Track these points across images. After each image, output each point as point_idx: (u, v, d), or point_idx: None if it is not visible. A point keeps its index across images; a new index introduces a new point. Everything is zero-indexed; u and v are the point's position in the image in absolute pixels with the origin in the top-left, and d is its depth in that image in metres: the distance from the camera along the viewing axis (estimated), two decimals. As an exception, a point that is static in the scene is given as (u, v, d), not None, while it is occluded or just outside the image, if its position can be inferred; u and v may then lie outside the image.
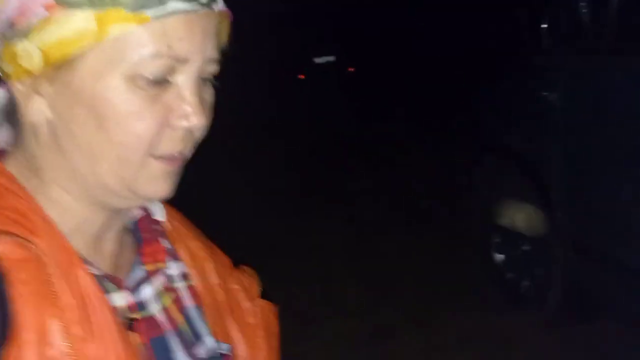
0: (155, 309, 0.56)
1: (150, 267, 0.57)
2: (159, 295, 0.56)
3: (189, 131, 0.51)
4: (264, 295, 0.68)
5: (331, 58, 7.14)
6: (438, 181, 4.24)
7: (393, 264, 3.36)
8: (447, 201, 3.77)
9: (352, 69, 7.30)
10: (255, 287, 0.66)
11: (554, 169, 2.55)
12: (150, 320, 0.55)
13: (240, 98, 5.60)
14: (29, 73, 0.49)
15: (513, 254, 2.91)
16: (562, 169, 2.52)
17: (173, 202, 0.59)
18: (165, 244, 0.59)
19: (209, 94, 0.54)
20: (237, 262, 0.67)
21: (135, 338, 0.52)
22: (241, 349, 0.62)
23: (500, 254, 2.99)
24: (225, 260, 0.66)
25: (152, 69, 0.49)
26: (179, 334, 0.57)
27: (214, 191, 3.92)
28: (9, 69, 0.50)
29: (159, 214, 0.60)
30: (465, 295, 2.97)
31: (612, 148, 2.28)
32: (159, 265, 0.57)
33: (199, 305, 0.60)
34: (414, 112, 6.04)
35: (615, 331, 2.49)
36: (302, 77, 7.06)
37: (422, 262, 3.32)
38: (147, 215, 0.59)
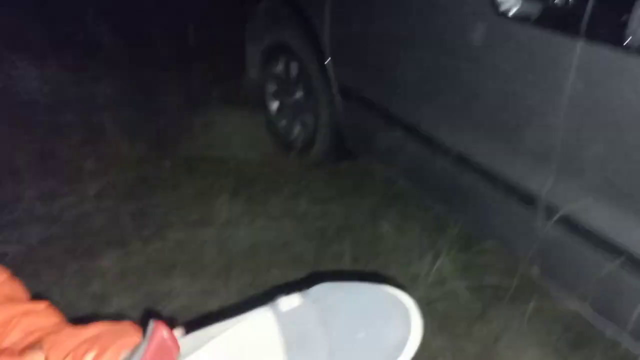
0: None
1: None
2: None
3: None
4: None
5: None
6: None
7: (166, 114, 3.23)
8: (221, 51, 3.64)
9: None
10: None
11: (325, 15, 2.56)
12: None
13: None
14: None
15: (286, 101, 2.97)
16: (331, 15, 2.54)
17: None
18: None
19: None
20: None
21: None
22: None
23: (274, 102, 3.05)
24: None
25: None
26: None
27: None
28: None
29: None
30: (240, 144, 3.00)
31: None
32: None
33: None
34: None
35: (374, 167, 2.77)
36: None
37: (197, 113, 3.24)
38: None
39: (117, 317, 1.90)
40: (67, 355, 0.57)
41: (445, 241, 2.26)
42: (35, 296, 0.78)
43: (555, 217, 1.73)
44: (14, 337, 0.62)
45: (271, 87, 3.05)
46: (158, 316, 0.59)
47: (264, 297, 0.63)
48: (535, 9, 1.68)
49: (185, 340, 0.54)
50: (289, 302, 0.57)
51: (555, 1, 1.61)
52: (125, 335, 0.59)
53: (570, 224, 1.72)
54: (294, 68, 2.85)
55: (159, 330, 0.51)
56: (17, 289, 0.73)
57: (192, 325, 0.60)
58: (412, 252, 2.25)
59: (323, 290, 0.59)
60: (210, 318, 0.60)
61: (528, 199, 1.82)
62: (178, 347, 0.53)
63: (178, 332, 0.56)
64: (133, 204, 2.53)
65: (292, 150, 2.91)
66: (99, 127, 3.02)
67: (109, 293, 2.07)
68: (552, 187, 1.76)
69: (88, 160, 2.78)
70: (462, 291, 2.04)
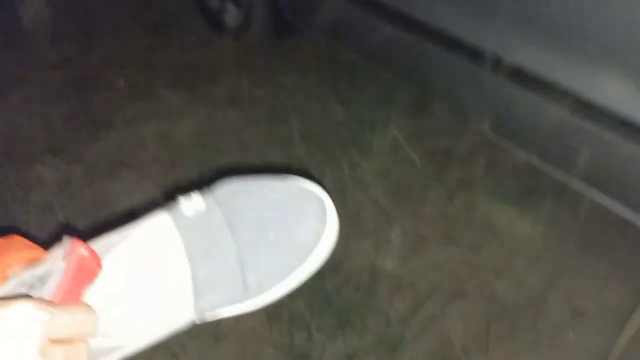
0: None
1: None
2: None
3: None
4: None
5: None
6: None
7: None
8: None
9: None
10: None
11: None
12: None
13: None
14: None
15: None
16: None
17: None
18: None
19: None
20: None
21: None
22: None
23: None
24: None
25: None
26: None
27: None
28: None
29: None
30: (172, 31, 2.80)
31: None
32: None
33: None
34: None
35: (317, 42, 2.64)
36: None
37: (122, 2, 2.99)
38: None
39: (64, 227, 1.84)
40: None
41: (396, 110, 2.22)
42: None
43: (503, 69, 1.68)
44: None
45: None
46: (72, 231, 0.50)
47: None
48: None
49: None
50: (189, 203, 0.51)
51: None
52: (9, 250, 0.51)
53: (517, 75, 1.68)
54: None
55: (77, 249, 0.44)
56: None
57: (87, 233, 0.52)
58: (364, 124, 2.21)
59: (227, 188, 0.52)
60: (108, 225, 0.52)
61: (475, 54, 1.76)
62: (100, 266, 0.46)
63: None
64: (64, 106, 2.37)
65: (228, 32, 2.73)
66: (17, 26, 2.76)
67: (53, 202, 1.98)
68: (498, 39, 1.70)
69: (10, 63, 2.57)
70: (416, 157, 2.02)
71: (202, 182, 0.56)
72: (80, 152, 2.17)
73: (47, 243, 0.52)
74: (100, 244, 0.49)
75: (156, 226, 0.50)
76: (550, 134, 1.67)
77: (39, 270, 0.46)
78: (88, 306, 0.45)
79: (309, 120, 2.27)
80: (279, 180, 0.54)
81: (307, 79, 2.50)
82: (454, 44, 1.81)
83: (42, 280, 0.46)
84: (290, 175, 0.54)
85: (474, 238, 1.78)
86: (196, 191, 0.52)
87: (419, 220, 1.86)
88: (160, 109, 2.34)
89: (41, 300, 0.41)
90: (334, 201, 0.53)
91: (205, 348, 1.51)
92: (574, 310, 1.55)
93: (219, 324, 1.57)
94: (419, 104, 2.24)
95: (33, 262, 0.48)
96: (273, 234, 0.50)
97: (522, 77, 1.67)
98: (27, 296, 0.43)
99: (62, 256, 0.44)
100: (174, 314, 0.49)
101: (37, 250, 0.52)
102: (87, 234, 0.51)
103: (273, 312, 1.58)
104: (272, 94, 2.43)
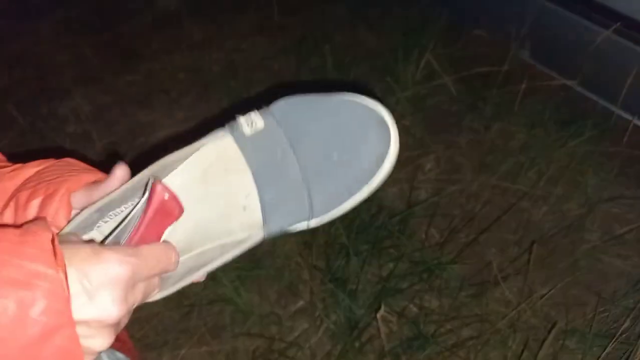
0: None
1: None
2: None
3: None
4: None
5: None
6: None
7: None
8: None
9: None
10: None
11: None
12: None
13: None
14: None
15: None
16: None
17: None
18: None
19: None
20: None
21: None
22: None
23: None
24: None
25: None
26: None
27: None
28: None
29: None
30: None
31: None
32: None
33: None
34: None
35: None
36: None
37: None
38: None
39: (100, 155, 1.85)
40: (8, 202, 0.49)
41: (430, 37, 2.14)
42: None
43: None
44: None
45: None
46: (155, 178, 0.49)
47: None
48: None
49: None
50: (249, 122, 0.49)
51: None
52: (74, 172, 0.50)
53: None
54: None
55: (159, 192, 0.44)
56: None
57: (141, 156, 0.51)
58: (396, 52, 2.15)
59: (287, 106, 0.50)
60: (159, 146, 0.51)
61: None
62: (181, 207, 0.46)
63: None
64: (94, 36, 2.35)
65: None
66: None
67: (88, 131, 1.99)
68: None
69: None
70: (451, 84, 1.98)
71: (257, 102, 0.54)
72: (111, 82, 2.17)
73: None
74: (158, 164, 0.48)
75: (219, 147, 0.48)
76: (594, 58, 1.61)
77: (105, 201, 0.46)
78: (167, 244, 0.45)
79: (340, 48, 2.22)
80: (337, 97, 0.50)
81: (337, 6, 2.43)
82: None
83: (108, 209, 0.47)
84: (347, 92, 0.51)
85: (511, 166, 1.76)
86: (255, 110, 0.50)
87: (453, 148, 1.84)
88: (188, 40, 2.30)
89: (123, 248, 0.41)
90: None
91: (243, 270, 1.54)
92: (612, 236, 1.54)
93: (256, 248, 1.60)
94: (454, 30, 2.16)
95: (94, 185, 0.48)
96: (337, 154, 0.48)
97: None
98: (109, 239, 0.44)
99: (144, 198, 0.44)
100: (241, 235, 0.49)
101: (96, 173, 0.52)
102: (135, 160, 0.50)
103: (309, 237, 1.60)
104: (302, 22, 2.37)
